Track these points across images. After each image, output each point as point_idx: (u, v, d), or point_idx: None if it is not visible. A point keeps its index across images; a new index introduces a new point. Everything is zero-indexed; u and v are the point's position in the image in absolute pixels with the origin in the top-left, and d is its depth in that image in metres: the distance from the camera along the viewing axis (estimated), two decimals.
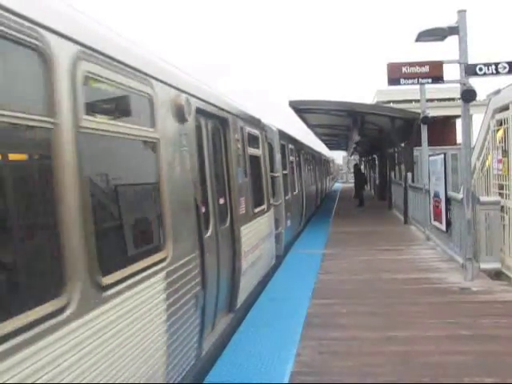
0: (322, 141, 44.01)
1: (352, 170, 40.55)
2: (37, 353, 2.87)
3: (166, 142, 5.05)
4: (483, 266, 10.20)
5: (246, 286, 8.26)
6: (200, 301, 5.60)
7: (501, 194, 10.38)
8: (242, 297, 8.04)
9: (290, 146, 16.91)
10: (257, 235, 8.97)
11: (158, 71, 5.09)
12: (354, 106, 18.89)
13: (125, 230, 4.36)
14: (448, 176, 11.97)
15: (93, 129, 3.69)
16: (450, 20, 10.05)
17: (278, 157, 13.65)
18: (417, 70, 10.13)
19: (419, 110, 16.75)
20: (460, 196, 10.81)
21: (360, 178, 29.84)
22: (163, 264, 4.71)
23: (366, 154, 41.06)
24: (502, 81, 11.35)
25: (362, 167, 43.14)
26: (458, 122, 35.41)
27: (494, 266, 10.17)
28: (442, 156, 12.04)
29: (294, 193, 16.99)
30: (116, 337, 3.71)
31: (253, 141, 9.71)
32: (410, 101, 29.34)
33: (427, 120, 15.24)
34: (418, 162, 20.94)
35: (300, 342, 6.95)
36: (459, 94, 9.85)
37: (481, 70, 9.29)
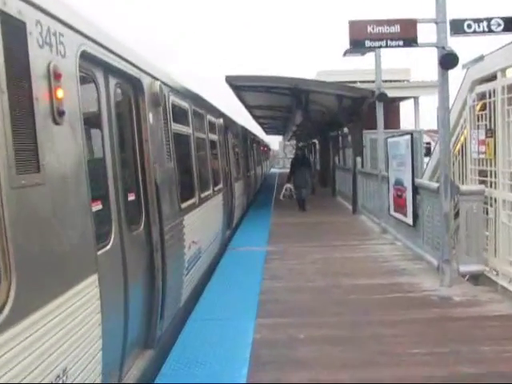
0: (260, 124, 42.10)
1: (290, 156, 36.85)
2: None
3: None
4: (463, 268, 8.47)
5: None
6: None
7: (483, 182, 8.64)
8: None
9: (250, 136, 25.47)
10: None
11: None
12: (298, 82, 16.91)
13: None
14: (416, 161, 10.15)
15: None
16: None
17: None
18: (385, 29, 8.21)
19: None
20: (433, 184, 9.03)
21: (304, 168, 19.93)
22: None
23: (306, 138, 39.39)
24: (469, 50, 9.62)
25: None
26: (402, 105, 34.31)
27: (476, 268, 8.43)
28: (408, 137, 10.23)
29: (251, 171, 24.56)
30: None
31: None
32: (355, 82, 27.64)
33: (384, 97, 13.34)
34: (366, 145, 19.34)
35: None
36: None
37: (469, 27, 7.43)
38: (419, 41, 8.35)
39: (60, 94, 3.37)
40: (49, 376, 3.01)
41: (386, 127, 14.88)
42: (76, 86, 3.73)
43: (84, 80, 4.12)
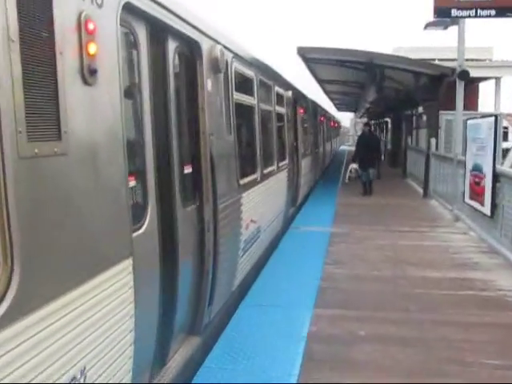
0: (331, 100, 41.09)
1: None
2: None
3: None
4: None
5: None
6: None
7: None
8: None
9: (320, 111, 24.62)
10: None
11: None
12: (374, 56, 16.03)
13: None
14: (499, 146, 9.24)
15: None
16: None
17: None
18: None
19: None
20: None
21: (372, 146, 17.63)
22: None
23: (378, 116, 38.13)
24: None
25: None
26: (482, 86, 32.50)
27: None
28: (491, 120, 9.34)
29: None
30: None
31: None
32: (433, 59, 26.31)
33: (466, 76, 12.29)
34: (441, 126, 18.29)
35: None
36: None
37: None
38: None
39: (92, 49, 2.85)
40: (62, 378, 2.59)
41: (464, 108, 13.92)
42: (115, 43, 3.22)
43: (127, 37, 3.64)
